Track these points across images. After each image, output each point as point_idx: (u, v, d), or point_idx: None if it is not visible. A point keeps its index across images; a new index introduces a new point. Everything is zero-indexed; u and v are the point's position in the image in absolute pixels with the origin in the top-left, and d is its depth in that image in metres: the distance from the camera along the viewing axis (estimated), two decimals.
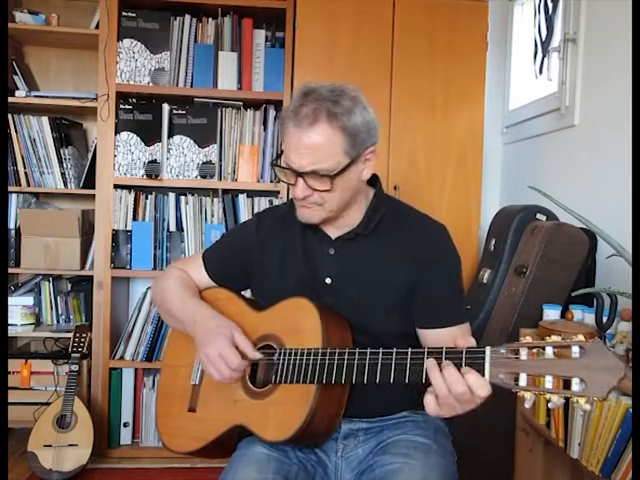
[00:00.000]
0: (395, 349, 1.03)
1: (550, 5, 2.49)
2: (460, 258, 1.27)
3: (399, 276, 1.22)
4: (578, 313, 1.77)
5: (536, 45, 2.60)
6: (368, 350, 1.07)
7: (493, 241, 2.30)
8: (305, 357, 1.14)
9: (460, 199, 2.52)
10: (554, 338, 0.85)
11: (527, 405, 0.85)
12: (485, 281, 2.24)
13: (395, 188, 2.45)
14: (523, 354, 0.87)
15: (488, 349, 0.91)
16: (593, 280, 1.98)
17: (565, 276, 1.93)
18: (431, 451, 1.17)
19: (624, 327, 1.58)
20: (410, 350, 1.01)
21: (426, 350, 0.99)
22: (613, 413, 1.34)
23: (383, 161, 2.46)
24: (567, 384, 0.82)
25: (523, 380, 0.85)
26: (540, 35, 2.57)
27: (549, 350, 0.84)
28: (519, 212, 2.19)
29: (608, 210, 1.94)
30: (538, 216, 2.16)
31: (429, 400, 0.97)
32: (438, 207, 2.50)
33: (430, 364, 0.97)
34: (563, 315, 1.80)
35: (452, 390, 0.93)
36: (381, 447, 1.21)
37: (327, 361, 1.11)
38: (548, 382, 0.83)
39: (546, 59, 2.51)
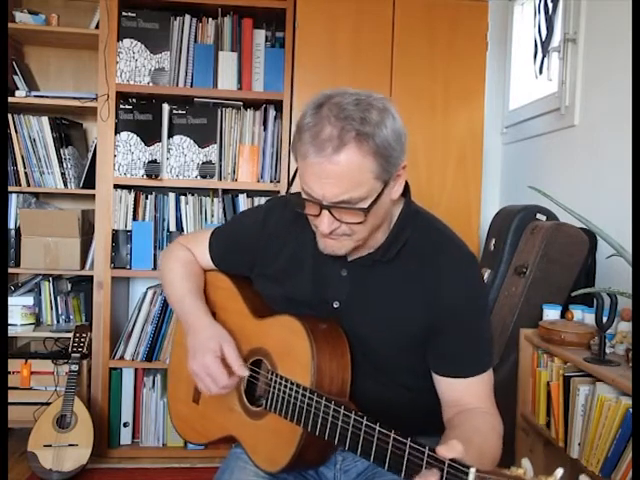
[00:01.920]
0: (378, 427, 0.90)
1: (550, 5, 2.49)
2: (487, 294, 1.15)
3: (417, 313, 1.08)
4: (578, 313, 1.77)
5: (536, 45, 2.60)
6: (352, 415, 0.94)
7: (493, 241, 2.30)
8: (294, 395, 1.05)
9: (460, 199, 2.52)
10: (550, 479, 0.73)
11: None
12: (485, 281, 2.24)
13: None
14: None
15: (472, 473, 0.77)
16: (593, 280, 1.98)
17: (565, 276, 1.93)
18: None
19: (624, 327, 1.58)
20: (392, 436, 0.88)
21: (408, 444, 0.85)
22: (613, 413, 1.34)
23: None
24: None
25: None
26: (540, 35, 2.57)
27: None
28: (519, 212, 2.19)
29: (608, 210, 1.94)
30: (538, 216, 2.16)
31: None
32: (438, 207, 2.49)
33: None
34: (563, 315, 1.81)
35: None
36: None
37: (313, 410, 1.01)
38: None
39: (546, 59, 2.51)
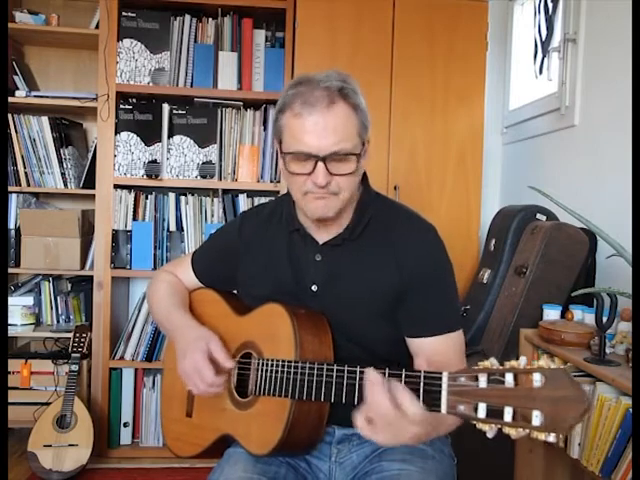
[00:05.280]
0: (358, 367, 1.00)
1: (550, 5, 2.49)
2: (451, 261, 1.21)
3: (387, 283, 1.16)
4: (578, 313, 1.77)
5: (536, 45, 2.60)
6: (334, 367, 1.03)
7: (493, 241, 2.30)
8: (280, 369, 1.11)
9: (460, 199, 2.52)
10: (513, 363, 0.79)
11: (490, 436, 0.79)
12: (485, 281, 2.24)
13: (395, 188, 2.45)
14: (482, 381, 0.80)
15: (445, 375, 0.85)
16: (593, 280, 1.98)
17: (565, 276, 1.93)
18: (428, 456, 1.15)
19: (624, 327, 1.58)
20: (369, 370, 0.95)
21: (387, 372, 0.93)
22: (613, 413, 1.34)
23: (383, 161, 2.46)
24: (527, 417, 0.76)
25: (482, 411, 0.79)
26: (540, 35, 2.57)
27: (509, 377, 0.78)
28: (519, 212, 2.19)
29: (608, 210, 1.94)
30: (538, 216, 2.16)
31: (359, 420, 0.90)
32: (438, 207, 2.50)
33: (372, 377, 0.91)
34: (563, 315, 1.80)
35: (379, 404, 0.88)
36: (377, 453, 1.20)
37: (299, 376, 1.08)
38: (507, 414, 0.77)
39: (546, 59, 2.51)
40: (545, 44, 2.52)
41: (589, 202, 2.08)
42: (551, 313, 1.81)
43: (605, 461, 1.35)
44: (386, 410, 0.87)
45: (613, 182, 1.96)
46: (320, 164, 1.08)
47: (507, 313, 2.00)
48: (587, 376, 1.49)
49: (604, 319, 1.49)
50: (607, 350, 1.49)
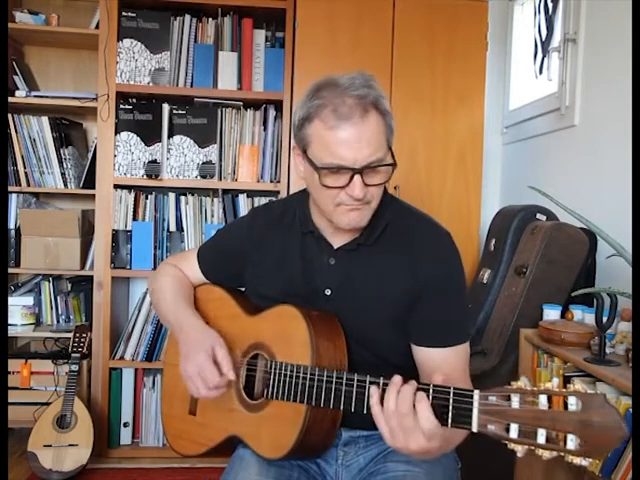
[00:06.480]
0: (382, 379, 0.96)
1: (550, 5, 2.49)
2: (464, 271, 1.20)
3: (401, 288, 1.15)
4: (578, 313, 1.77)
5: (536, 45, 2.60)
6: (355, 376, 1.00)
7: (493, 241, 2.30)
8: (295, 375, 1.09)
9: (460, 199, 2.52)
10: (548, 385, 0.79)
11: (520, 455, 0.79)
12: (485, 281, 2.24)
13: (395, 188, 2.45)
14: (515, 401, 0.80)
15: (477, 394, 0.84)
16: (593, 280, 1.98)
17: (565, 276, 1.93)
18: (434, 458, 1.14)
19: (624, 327, 1.58)
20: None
21: (416, 386, 0.92)
22: None
23: None
24: (562, 440, 0.76)
25: (514, 432, 0.78)
26: (540, 35, 2.57)
27: (543, 399, 0.78)
28: (519, 212, 2.19)
29: (608, 210, 1.94)
30: (538, 216, 2.16)
31: (376, 412, 0.92)
32: (438, 207, 2.50)
33: (395, 381, 0.92)
34: (563, 315, 1.80)
35: (398, 407, 0.89)
36: (383, 455, 1.19)
37: (315, 383, 1.05)
38: (541, 436, 0.76)
39: (546, 59, 2.51)
40: (545, 44, 2.52)
41: (589, 202, 2.08)
42: (551, 313, 1.81)
43: (605, 461, 1.35)
44: (406, 417, 0.88)
45: (613, 182, 1.96)
46: (357, 177, 1.05)
47: (507, 313, 2.00)
48: (587, 376, 1.49)
49: (604, 319, 1.49)
50: (607, 350, 1.49)
